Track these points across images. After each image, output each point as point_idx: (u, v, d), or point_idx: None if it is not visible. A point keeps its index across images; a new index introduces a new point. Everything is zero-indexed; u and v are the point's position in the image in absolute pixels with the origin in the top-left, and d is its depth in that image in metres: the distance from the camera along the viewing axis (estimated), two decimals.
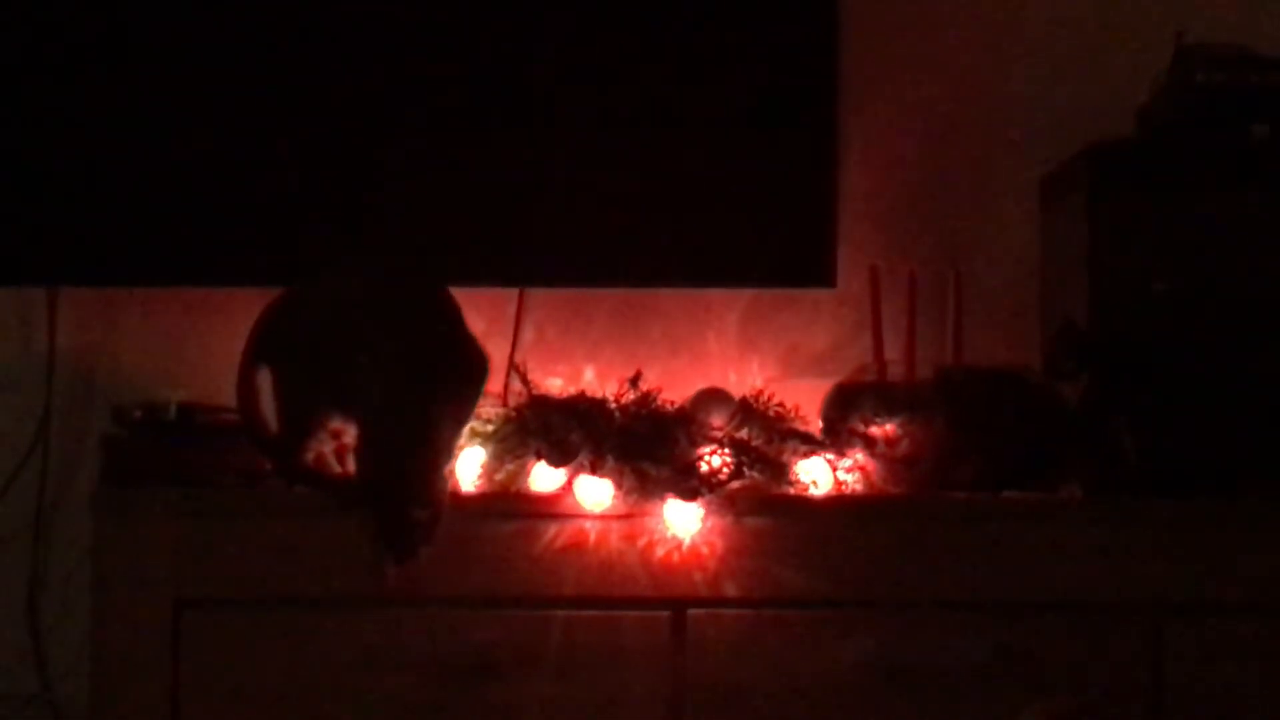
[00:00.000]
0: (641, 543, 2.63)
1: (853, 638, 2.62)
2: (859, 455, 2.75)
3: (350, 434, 2.61)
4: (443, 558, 2.60)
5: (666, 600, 2.63)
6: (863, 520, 2.66)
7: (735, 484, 2.66)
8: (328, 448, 2.64)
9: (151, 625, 2.60)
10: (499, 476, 2.70)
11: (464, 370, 2.63)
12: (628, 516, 2.63)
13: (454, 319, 2.65)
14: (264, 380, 2.63)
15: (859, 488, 2.74)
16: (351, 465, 2.61)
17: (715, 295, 3.11)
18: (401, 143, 2.96)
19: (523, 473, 2.69)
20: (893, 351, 2.88)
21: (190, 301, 3.09)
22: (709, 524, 2.62)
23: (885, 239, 3.09)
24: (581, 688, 2.61)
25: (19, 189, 2.95)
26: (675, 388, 2.81)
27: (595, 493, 2.63)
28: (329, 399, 2.60)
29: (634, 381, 2.75)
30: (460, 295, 3.04)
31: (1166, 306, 2.73)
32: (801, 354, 3.11)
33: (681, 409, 2.75)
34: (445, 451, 2.59)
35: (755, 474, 2.68)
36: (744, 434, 2.72)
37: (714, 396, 2.80)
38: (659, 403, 2.73)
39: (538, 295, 3.09)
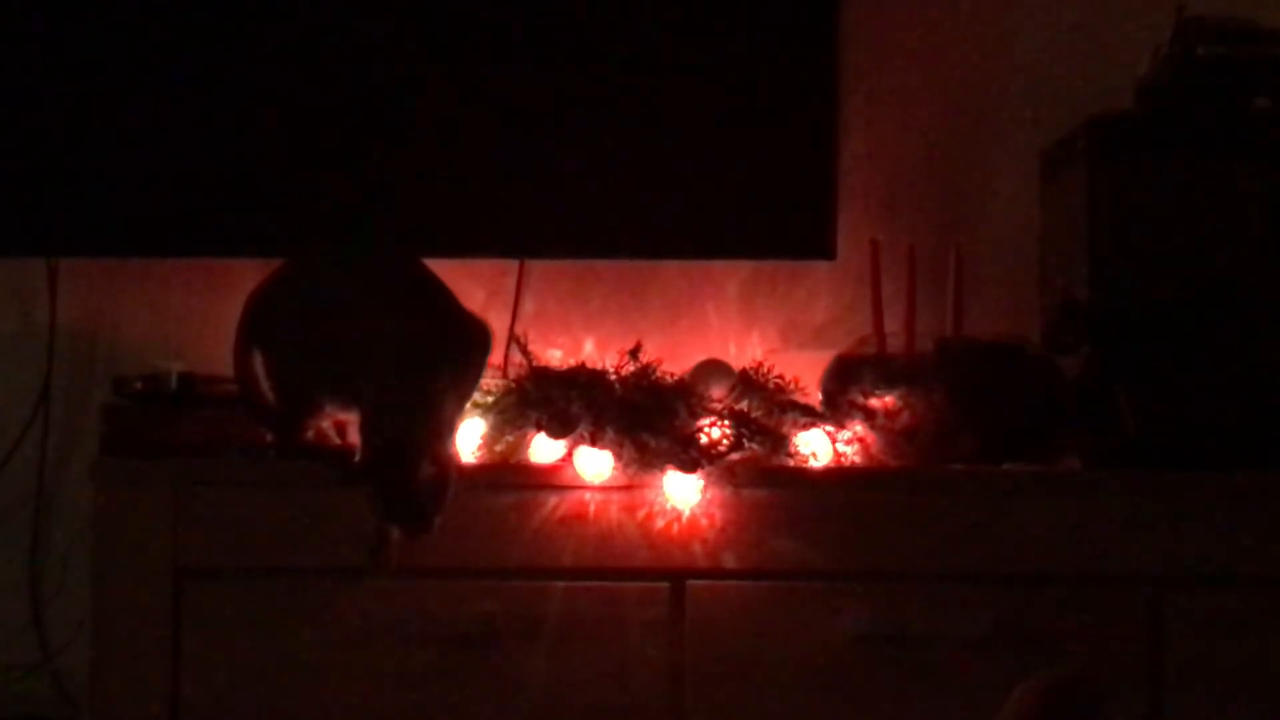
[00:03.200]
0: (641, 514, 2.63)
1: (852, 609, 2.62)
2: (858, 427, 2.76)
3: (348, 417, 2.61)
4: (443, 529, 2.60)
5: (666, 571, 2.63)
6: (862, 492, 2.67)
7: (735, 456, 2.66)
8: (326, 424, 2.64)
9: (152, 595, 2.61)
10: (499, 448, 2.70)
11: (463, 344, 2.63)
12: (627, 488, 2.63)
13: (446, 293, 2.65)
14: (259, 362, 2.63)
15: (858, 460, 2.75)
16: (352, 438, 2.61)
17: (715, 267, 3.11)
18: (403, 113, 2.95)
19: (523, 444, 2.69)
20: (892, 324, 2.88)
21: (190, 272, 3.09)
22: (708, 495, 2.63)
23: (885, 212, 3.10)
24: (581, 658, 2.61)
25: (19, 160, 2.95)
26: (675, 359, 2.81)
27: (595, 464, 2.63)
28: (324, 385, 2.60)
29: (634, 353, 2.75)
30: (461, 267, 3.05)
31: (1166, 278, 2.73)
32: (801, 326, 3.12)
33: (681, 381, 2.75)
34: (449, 424, 2.58)
35: (755, 446, 2.68)
36: (744, 406, 2.73)
37: (714, 368, 2.80)
38: (659, 374, 2.73)
39: (538, 267, 3.10)
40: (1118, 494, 2.65)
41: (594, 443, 2.65)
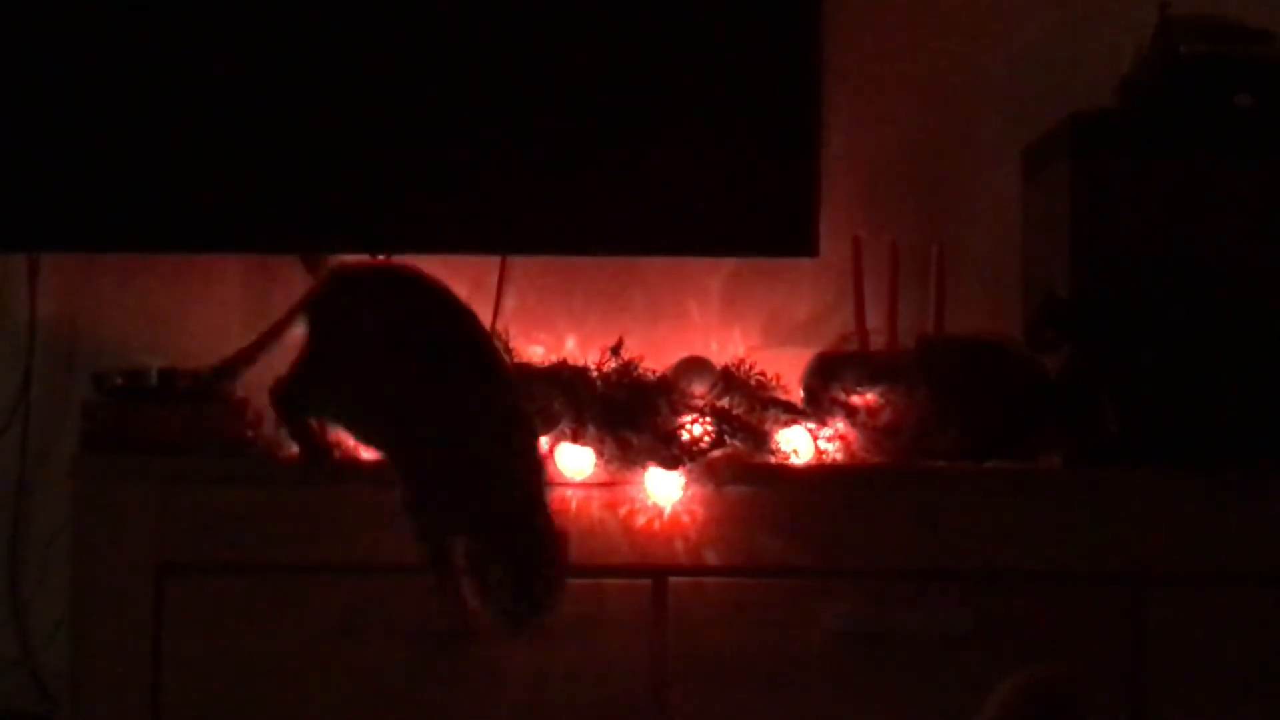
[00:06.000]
0: (623, 511, 2.63)
1: (833, 606, 2.62)
2: (840, 424, 2.76)
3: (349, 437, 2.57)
4: None
5: (648, 568, 2.63)
6: (843, 489, 2.67)
7: (716, 453, 2.66)
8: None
9: (132, 591, 2.61)
10: None
11: (519, 428, 2.53)
12: (609, 485, 2.63)
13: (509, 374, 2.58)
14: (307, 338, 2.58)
15: (840, 457, 2.75)
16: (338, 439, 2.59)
17: (697, 264, 3.11)
18: (385, 110, 2.95)
19: None
20: (874, 321, 2.88)
21: (171, 268, 3.08)
22: (690, 492, 2.63)
23: (868, 209, 3.09)
24: (563, 655, 2.61)
25: None
26: (657, 356, 2.81)
27: (577, 461, 2.63)
28: (365, 423, 2.55)
29: (616, 350, 2.75)
30: (443, 262, 3.05)
31: (1148, 276, 2.73)
32: (783, 323, 3.12)
33: (663, 378, 2.75)
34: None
35: (736, 443, 2.68)
36: (725, 403, 2.73)
37: (695, 365, 2.80)
38: (640, 371, 2.73)
39: (520, 263, 3.09)
40: (1099, 492, 2.65)
41: (575, 439, 2.64)
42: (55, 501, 2.99)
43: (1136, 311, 2.72)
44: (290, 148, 2.94)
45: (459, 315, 2.58)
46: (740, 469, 2.66)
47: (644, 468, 2.63)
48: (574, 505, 2.63)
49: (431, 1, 2.95)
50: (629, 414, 2.66)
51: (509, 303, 3.10)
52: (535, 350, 3.00)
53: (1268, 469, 2.67)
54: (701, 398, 2.73)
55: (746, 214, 2.96)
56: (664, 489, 2.63)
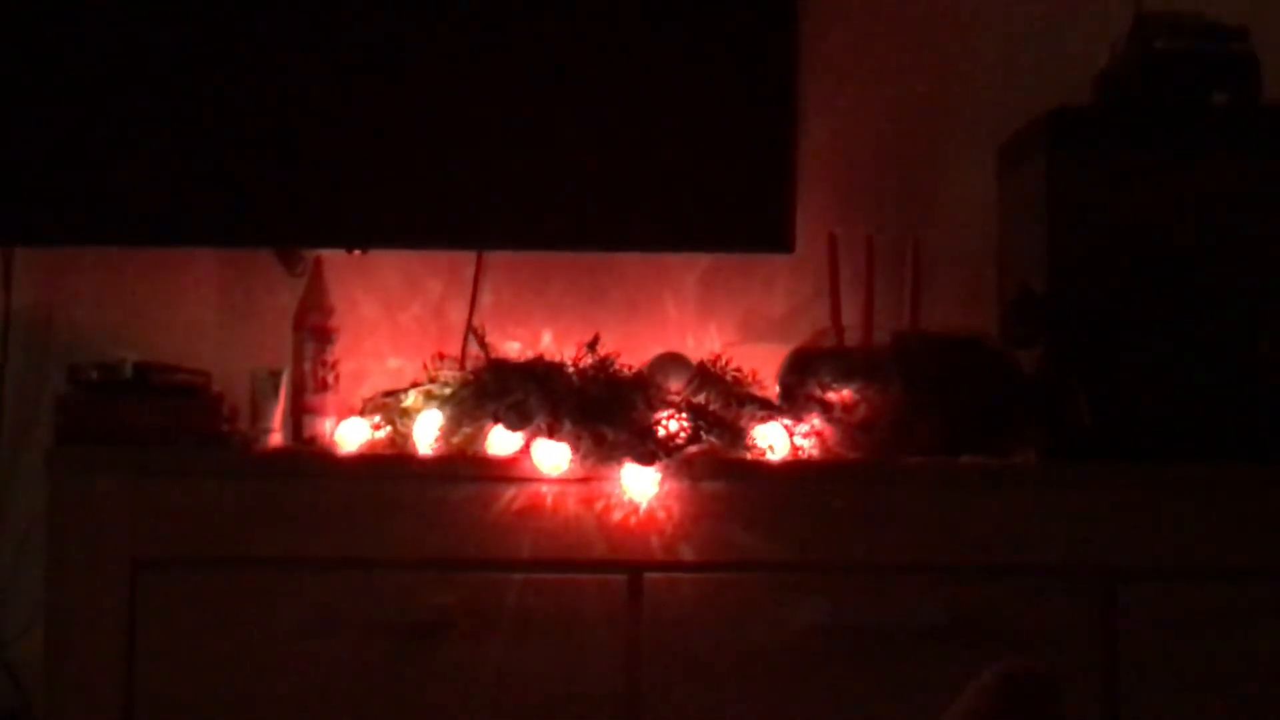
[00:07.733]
0: (599, 506, 2.63)
1: (809, 601, 2.62)
2: (816, 420, 2.76)
3: None
4: (400, 520, 2.61)
5: (623, 564, 2.63)
6: (819, 485, 2.67)
7: (692, 448, 2.66)
8: None
9: (107, 585, 2.60)
10: (456, 439, 2.70)
11: None
12: (585, 480, 2.63)
13: None
14: None
15: (815, 453, 2.75)
16: None
17: (674, 260, 3.11)
18: (360, 104, 2.94)
19: (480, 436, 2.69)
20: (850, 317, 2.88)
21: (146, 261, 3.08)
22: (666, 488, 2.63)
23: (844, 205, 3.10)
24: (538, 650, 2.61)
25: None
26: (633, 352, 2.81)
27: (553, 456, 2.63)
28: None
29: (592, 345, 2.75)
30: (419, 258, 3.05)
31: (1124, 272, 2.74)
32: (759, 319, 3.12)
33: (639, 373, 2.75)
34: None
35: (712, 438, 2.68)
36: (701, 398, 2.73)
37: (672, 361, 2.80)
38: (617, 367, 2.73)
39: (496, 258, 3.09)
40: (1073, 487, 2.65)
41: (551, 435, 2.64)
42: (30, 494, 2.98)
43: (1111, 307, 2.73)
44: (266, 142, 2.94)
45: None
46: (716, 464, 2.66)
47: (620, 463, 2.63)
48: (550, 500, 2.63)
49: (408, 4, 2.95)
50: (605, 409, 2.66)
51: (485, 298, 3.10)
52: (511, 345, 2.99)
53: (1241, 464, 2.67)
54: (678, 393, 2.73)
55: (723, 210, 2.96)
56: (640, 484, 2.62)
